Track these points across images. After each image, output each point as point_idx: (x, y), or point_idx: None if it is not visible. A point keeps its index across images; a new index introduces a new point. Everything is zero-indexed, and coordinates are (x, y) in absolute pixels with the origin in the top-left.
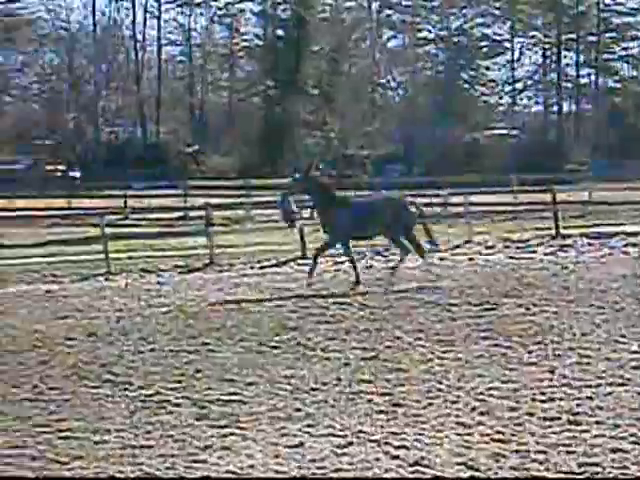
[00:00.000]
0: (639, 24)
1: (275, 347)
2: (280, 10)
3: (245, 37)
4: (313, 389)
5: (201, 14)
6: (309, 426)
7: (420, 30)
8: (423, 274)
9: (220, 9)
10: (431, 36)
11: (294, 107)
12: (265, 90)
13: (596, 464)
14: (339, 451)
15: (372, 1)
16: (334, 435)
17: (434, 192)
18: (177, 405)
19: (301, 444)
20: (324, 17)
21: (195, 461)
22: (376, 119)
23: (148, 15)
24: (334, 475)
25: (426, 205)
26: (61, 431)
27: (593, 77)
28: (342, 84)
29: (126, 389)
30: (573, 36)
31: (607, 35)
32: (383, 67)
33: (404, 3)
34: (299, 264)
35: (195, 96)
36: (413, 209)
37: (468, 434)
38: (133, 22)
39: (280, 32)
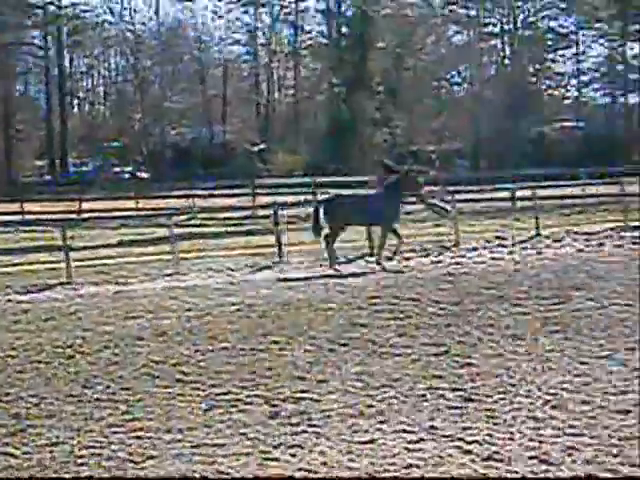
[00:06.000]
0: None
1: (345, 344)
2: (344, 7)
3: (309, 35)
4: (384, 385)
5: (265, 13)
6: (380, 422)
7: (485, 24)
8: (492, 269)
9: (284, 7)
10: (496, 30)
11: (360, 104)
12: (330, 87)
13: None
14: (411, 447)
15: None
16: (405, 431)
17: (502, 186)
18: (249, 403)
19: (373, 441)
20: (388, 13)
21: (268, 459)
22: (442, 114)
23: (212, 15)
24: (406, 471)
25: (494, 200)
26: (134, 431)
27: None
28: (407, 80)
29: (198, 388)
30: (639, 27)
31: None
32: (448, 62)
33: None
34: (367, 261)
35: (260, 95)
36: None
37: (540, 428)
38: (197, 22)
39: (344, 29)
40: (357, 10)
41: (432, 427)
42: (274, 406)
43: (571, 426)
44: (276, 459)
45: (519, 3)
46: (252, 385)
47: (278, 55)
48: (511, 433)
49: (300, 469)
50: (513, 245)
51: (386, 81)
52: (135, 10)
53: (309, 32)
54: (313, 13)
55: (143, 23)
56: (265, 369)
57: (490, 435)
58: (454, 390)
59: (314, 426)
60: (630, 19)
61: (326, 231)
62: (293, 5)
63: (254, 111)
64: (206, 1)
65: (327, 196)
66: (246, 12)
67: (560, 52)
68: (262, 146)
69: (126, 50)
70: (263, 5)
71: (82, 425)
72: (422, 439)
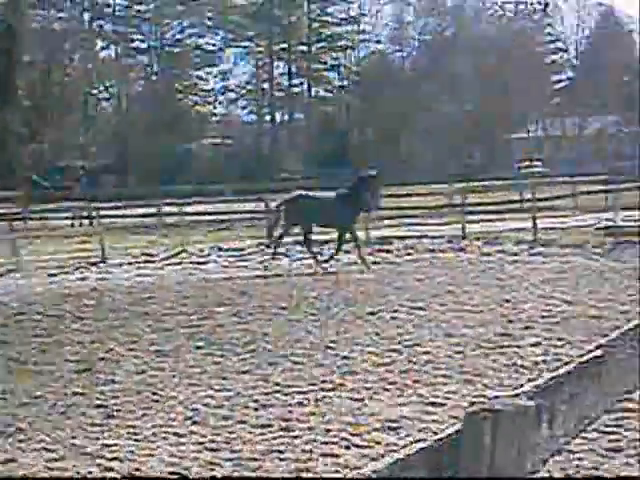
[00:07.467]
0: (348, 34)
1: None
2: None
3: None
4: (25, 404)
5: None
6: (21, 441)
7: (133, 40)
8: (138, 285)
9: None
10: (144, 46)
11: (5, 119)
12: None
13: (308, 469)
14: (51, 465)
15: (84, 11)
16: (46, 449)
17: (148, 202)
18: None
19: (12, 459)
20: (35, 27)
21: None
22: (90, 130)
23: None
24: None
25: (141, 216)
26: None
27: (305, 86)
28: (55, 95)
29: None
30: (284, 46)
31: (318, 45)
32: (95, 78)
33: (117, 13)
34: (15, 277)
35: None
36: None
37: (182, 444)
38: None
39: None
40: (2, 23)
41: (73, 445)
42: None
43: (212, 441)
44: None
45: (166, 20)
46: None
47: None
48: (152, 449)
49: None
50: (160, 261)
51: (33, 96)
52: None
53: None
54: None
55: None
56: None
57: (131, 452)
58: (97, 407)
59: None
60: (276, 38)
61: (280, 231)
62: None
63: None
64: None
65: (290, 196)
66: None
67: (207, 69)
68: None
69: None
70: None
71: None
72: (63, 457)
